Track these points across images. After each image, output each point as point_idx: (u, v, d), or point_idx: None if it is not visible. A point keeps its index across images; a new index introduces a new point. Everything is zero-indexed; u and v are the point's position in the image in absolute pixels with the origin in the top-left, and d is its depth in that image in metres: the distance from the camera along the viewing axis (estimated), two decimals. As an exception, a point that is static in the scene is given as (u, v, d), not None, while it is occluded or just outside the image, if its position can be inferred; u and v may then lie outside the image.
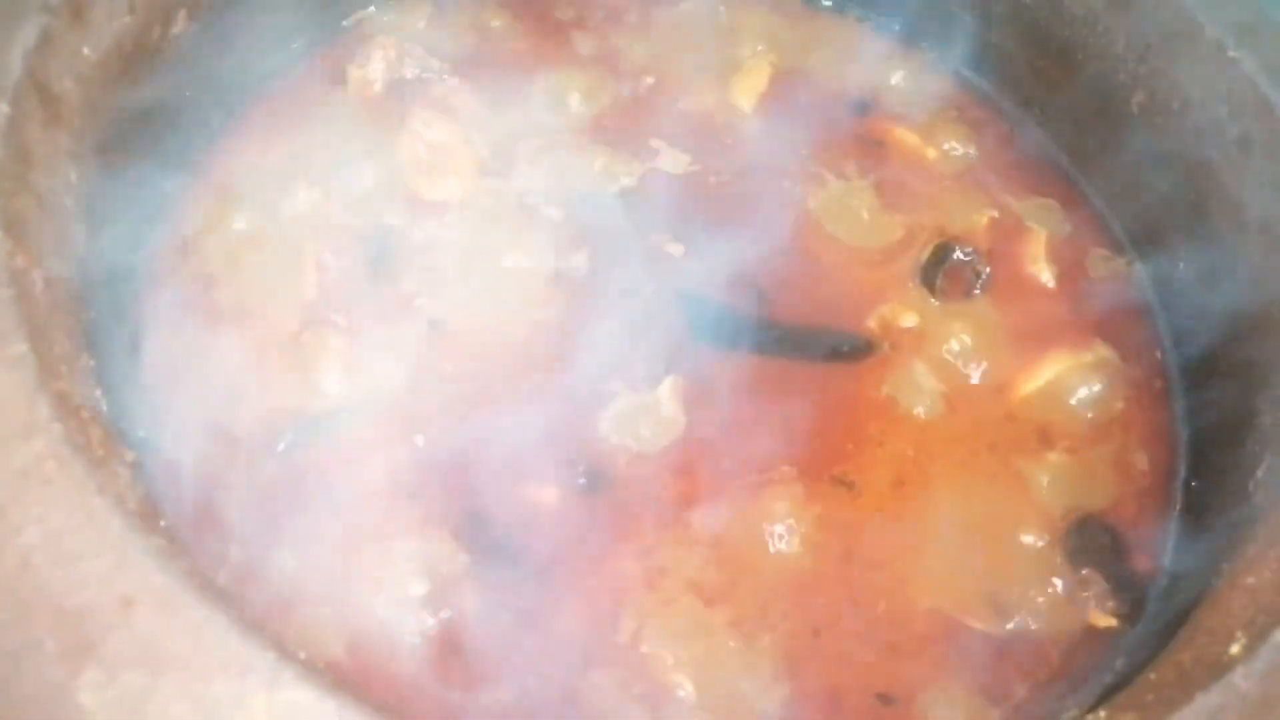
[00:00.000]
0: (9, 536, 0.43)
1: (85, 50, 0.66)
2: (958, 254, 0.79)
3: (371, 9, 0.90)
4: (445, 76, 0.86)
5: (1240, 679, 0.47)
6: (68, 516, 0.44)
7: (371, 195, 0.78)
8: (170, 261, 0.73)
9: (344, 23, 0.89)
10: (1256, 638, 0.49)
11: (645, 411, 0.69)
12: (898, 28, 0.95)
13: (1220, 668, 0.48)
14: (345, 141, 0.81)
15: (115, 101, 0.68)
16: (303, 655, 0.45)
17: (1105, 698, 0.59)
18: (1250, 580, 0.55)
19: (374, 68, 0.85)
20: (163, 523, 0.50)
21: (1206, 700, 0.46)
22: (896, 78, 0.92)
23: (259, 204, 0.76)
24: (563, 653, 0.60)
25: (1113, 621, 0.66)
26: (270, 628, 0.52)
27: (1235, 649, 0.49)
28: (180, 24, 0.74)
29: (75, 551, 0.43)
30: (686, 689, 0.60)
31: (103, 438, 0.51)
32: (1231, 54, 0.73)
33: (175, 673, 0.41)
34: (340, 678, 0.47)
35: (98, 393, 0.57)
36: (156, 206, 0.74)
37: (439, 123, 0.81)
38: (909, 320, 0.77)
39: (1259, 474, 0.64)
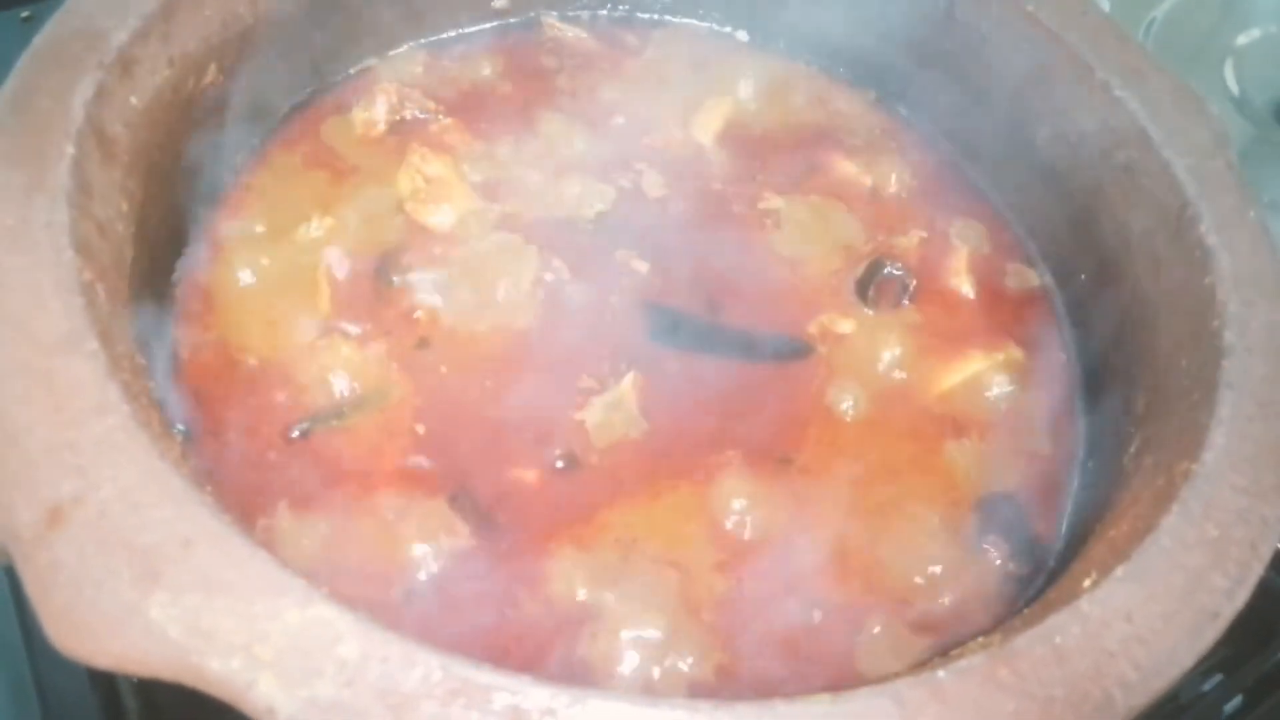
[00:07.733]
0: (91, 490, 0.52)
1: (133, 100, 0.73)
2: (888, 269, 0.87)
3: (374, 59, 0.98)
4: (440, 117, 0.94)
5: (1085, 604, 0.56)
6: (137, 476, 0.53)
7: (377, 222, 0.85)
8: (203, 279, 0.80)
9: (351, 70, 0.97)
10: (1103, 574, 0.58)
11: (611, 403, 0.77)
12: (842, 70, 1.05)
13: (1073, 598, 0.57)
14: (353, 175, 0.88)
15: (157, 142, 0.76)
16: (324, 590, 0.55)
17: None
18: (1112, 533, 0.65)
19: (377, 110, 0.92)
20: (208, 488, 0.60)
21: (1056, 620, 0.55)
22: (840, 114, 1.01)
23: (279, 230, 0.83)
24: (537, 603, 0.68)
25: (1016, 578, 0.74)
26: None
27: (1087, 583, 0.58)
28: (210, 75, 0.81)
29: (144, 502, 0.52)
30: (647, 634, 0.67)
31: (160, 420, 0.61)
32: (1117, 93, 0.84)
33: (225, 594, 0.49)
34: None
35: (150, 385, 0.66)
36: (192, 230, 0.82)
37: (435, 158, 0.88)
38: (844, 327, 0.85)
39: (1131, 449, 0.73)
